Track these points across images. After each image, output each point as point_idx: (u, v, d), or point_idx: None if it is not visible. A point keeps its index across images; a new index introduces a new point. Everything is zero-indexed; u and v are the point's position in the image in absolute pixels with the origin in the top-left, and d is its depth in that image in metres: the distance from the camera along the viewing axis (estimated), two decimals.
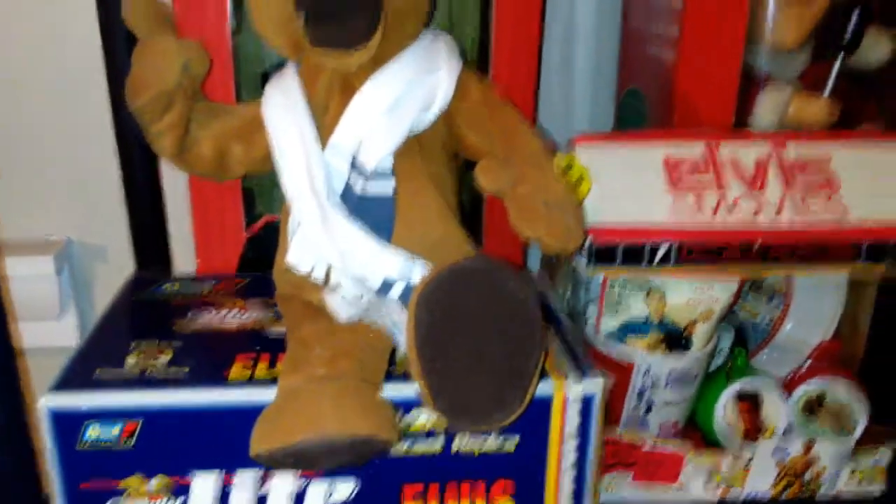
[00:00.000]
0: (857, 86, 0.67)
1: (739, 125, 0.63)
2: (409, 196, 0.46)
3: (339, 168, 0.46)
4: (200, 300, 0.54)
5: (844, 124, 0.65)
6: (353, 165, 0.46)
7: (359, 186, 0.46)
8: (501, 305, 0.40)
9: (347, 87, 0.46)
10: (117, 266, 0.75)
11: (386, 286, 0.44)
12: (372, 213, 0.46)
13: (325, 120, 0.47)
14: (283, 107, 0.47)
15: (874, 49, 0.66)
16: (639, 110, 0.71)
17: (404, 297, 0.44)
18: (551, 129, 0.76)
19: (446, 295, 0.39)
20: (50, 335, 0.78)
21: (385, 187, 0.46)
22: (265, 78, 0.61)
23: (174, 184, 0.62)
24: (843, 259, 0.51)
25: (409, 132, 0.47)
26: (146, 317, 0.52)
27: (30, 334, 0.76)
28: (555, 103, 0.78)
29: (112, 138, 0.64)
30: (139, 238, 0.68)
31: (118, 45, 0.60)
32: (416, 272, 0.44)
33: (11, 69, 0.71)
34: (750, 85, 0.64)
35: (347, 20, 0.43)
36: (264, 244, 0.60)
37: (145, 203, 0.67)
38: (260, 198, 0.62)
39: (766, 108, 0.64)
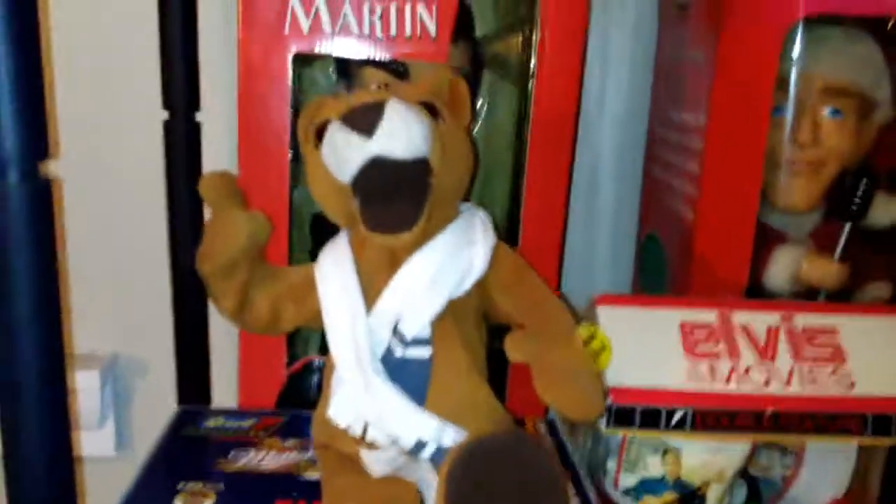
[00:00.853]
0: (866, 244, 0.71)
1: (754, 281, 0.67)
2: (443, 362, 0.50)
3: (381, 334, 0.50)
4: (241, 438, 0.57)
5: (853, 282, 0.69)
6: (395, 332, 0.50)
7: (398, 351, 0.50)
8: (527, 479, 0.43)
9: (394, 259, 0.51)
10: (158, 380, 0.79)
11: (418, 446, 0.48)
12: (409, 377, 0.50)
13: (371, 286, 0.51)
14: (335, 273, 0.52)
15: (883, 213, 0.70)
16: (658, 256, 0.75)
17: (435, 457, 0.48)
18: (574, 271, 0.80)
19: (474, 470, 0.43)
20: (90, 444, 0.81)
21: (422, 353, 0.50)
22: (314, 220, 0.68)
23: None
24: (851, 431, 0.53)
25: (446, 301, 0.51)
26: (191, 455, 0.55)
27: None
28: (579, 246, 0.82)
29: (167, 263, 0.70)
30: (183, 359, 0.72)
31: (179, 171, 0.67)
32: (447, 435, 0.48)
33: (79, 187, 0.77)
34: (765, 242, 0.68)
35: (397, 206, 0.48)
36: (303, 383, 0.64)
37: (193, 329, 0.72)
38: (302, 335, 0.67)
39: (779, 267, 0.68)
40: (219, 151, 0.69)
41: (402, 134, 0.46)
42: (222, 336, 0.72)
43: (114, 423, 0.82)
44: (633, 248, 0.82)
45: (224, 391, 0.74)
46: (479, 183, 0.73)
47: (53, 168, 0.43)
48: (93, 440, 0.81)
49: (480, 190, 0.74)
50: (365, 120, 0.46)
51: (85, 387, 0.78)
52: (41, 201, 0.42)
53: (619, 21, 0.80)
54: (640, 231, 0.82)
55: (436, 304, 0.50)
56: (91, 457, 0.81)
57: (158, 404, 0.68)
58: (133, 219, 0.79)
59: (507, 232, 0.68)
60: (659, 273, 0.74)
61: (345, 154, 0.46)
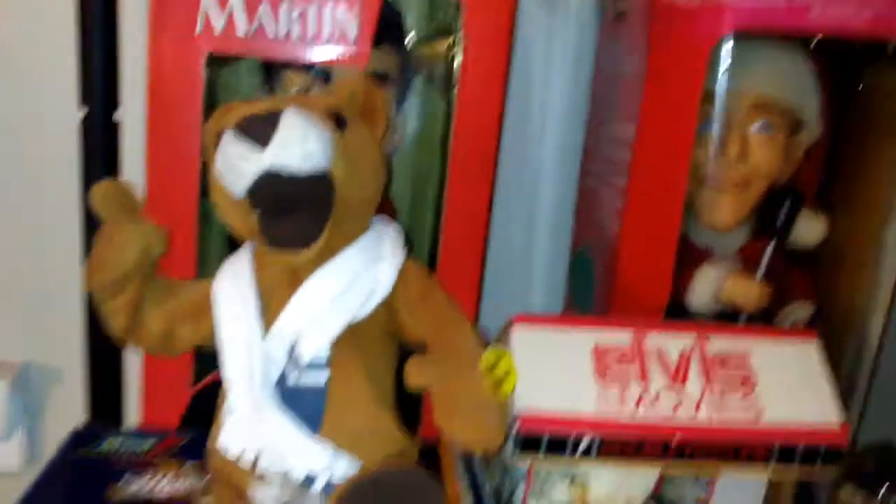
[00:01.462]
0: (790, 263, 0.70)
1: (677, 299, 0.66)
2: (340, 386, 0.48)
3: (276, 357, 0.48)
4: (138, 461, 0.55)
5: (776, 301, 0.68)
6: (290, 356, 0.48)
7: (293, 377, 0.48)
8: None
9: (295, 278, 0.49)
10: (70, 390, 0.76)
11: (309, 479, 0.46)
12: (304, 403, 0.48)
13: (271, 305, 0.49)
14: (232, 291, 0.50)
15: (807, 231, 0.70)
16: (587, 271, 0.74)
17: (326, 491, 0.46)
18: (508, 284, 0.79)
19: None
20: None
21: (318, 378, 0.48)
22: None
23: None
24: (758, 459, 0.53)
25: (348, 322, 0.49)
26: (82, 480, 0.53)
27: None
28: (516, 261, 0.81)
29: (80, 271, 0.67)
30: (94, 367, 0.70)
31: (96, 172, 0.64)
32: (340, 466, 0.46)
33: None
34: (690, 259, 0.67)
35: (297, 222, 0.46)
36: (210, 401, 0.61)
37: (106, 340, 0.69)
38: (209, 355, 0.64)
39: (703, 285, 0.67)
40: (138, 153, 0.66)
41: (297, 146, 0.44)
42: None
43: (25, 435, 0.79)
44: (567, 262, 0.81)
45: (135, 407, 0.71)
46: (409, 194, 0.72)
47: None
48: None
49: (411, 202, 0.72)
50: (259, 130, 0.44)
51: None
52: None
53: (562, 28, 0.79)
54: (573, 245, 0.81)
55: (335, 326, 0.48)
56: None
57: (72, 416, 0.65)
58: (46, 222, 0.76)
59: (433, 247, 0.66)
60: (588, 289, 0.73)
61: (238, 167, 0.44)
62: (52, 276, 0.76)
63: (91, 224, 0.65)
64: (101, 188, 0.51)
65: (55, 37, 0.70)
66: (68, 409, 0.71)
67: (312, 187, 0.46)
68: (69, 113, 0.66)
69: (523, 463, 0.53)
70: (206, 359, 0.64)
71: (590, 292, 0.73)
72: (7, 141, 0.74)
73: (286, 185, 0.44)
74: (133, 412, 0.71)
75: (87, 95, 0.66)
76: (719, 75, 0.62)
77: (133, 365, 0.70)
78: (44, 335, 0.78)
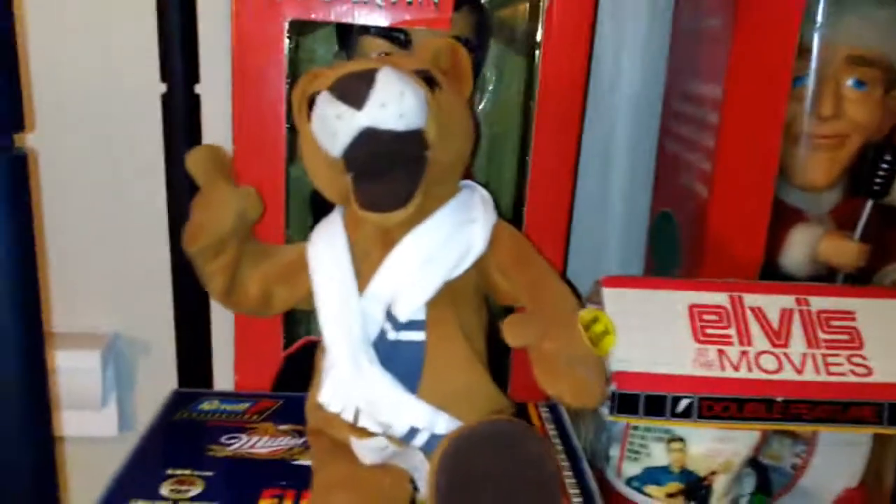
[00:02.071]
0: (888, 223, 0.68)
1: (770, 261, 0.64)
2: (437, 346, 0.48)
3: (374, 316, 0.48)
4: (235, 422, 0.56)
5: (874, 262, 0.66)
6: (388, 315, 0.48)
7: (391, 335, 0.48)
8: (521, 469, 0.41)
9: (388, 238, 0.49)
10: (160, 360, 0.78)
11: (411, 434, 0.46)
12: (402, 361, 0.48)
13: (365, 266, 0.49)
14: (327, 253, 0.50)
15: None
16: (671, 233, 0.73)
17: (427, 446, 0.46)
18: (585, 250, 0.78)
19: (466, 459, 0.41)
20: (91, 425, 0.80)
21: (416, 336, 0.48)
22: (312, 197, 0.66)
23: None
24: (865, 420, 0.51)
25: (442, 283, 0.49)
26: (183, 439, 0.54)
27: (71, 423, 0.80)
28: (589, 223, 0.80)
29: (167, 244, 0.68)
30: (183, 340, 0.71)
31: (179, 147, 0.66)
32: (441, 423, 0.46)
33: (76, 170, 0.76)
34: (782, 220, 0.65)
35: (390, 183, 0.46)
36: (302, 364, 0.62)
37: (193, 309, 0.71)
38: (300, 317, 0.65)
39: (797, 246, 0.65)
40: (219, 126, 0.67)
41: (394, 104, 0.43)
42: (223, 316, 0.71)
43: (116, 404, 0.81)
44: (646, 226, 0.79)
45: (226, 372, 0.73)
46: (485, 158, 0.71)
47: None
48: (95, 420, 0.81)
49: (487, 166, 0.72)
50: (355, 90, 0.44)
51: (86, 367, 0.77)
52: (15, 174, 0.40)
53: None
54: (653, 209, 0.79)
55: (431, 286, 0.48)
56: (94, 437, 0.80)
57: (161, 385, 0.67)
58: (132, 196, 0.78)
59: (514, 210, 0.66)
60: (672, 252, 0.71)
61: (334, 126, 0.44)
62: (138, 249, 0.78)
63: (176, 197, 0.67)
64: (198, 153, 0.51)
65: (135, 15, 0.71)
66: (158, 379, 0.73)
67: (407, 146, 0.45)
68: (152, 88, 0.67)
69: (620, 422, 0.52)
70: (297, 323, 0.65)
71: (675, 256, 0.72)
72: (92, 118, 0.75)
73: (382, 143, 0.44)
74: (222, 381, 0.72)
75: (166, 72, 0.67)
76: (814, 28, 0.60)
77: (221, 334, 0.72)
78: (132, 306, 0.80)
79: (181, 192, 0.68)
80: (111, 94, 0.75)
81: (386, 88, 0.44)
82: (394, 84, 0.44)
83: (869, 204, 0.64)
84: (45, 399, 0.45)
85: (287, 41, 0.60)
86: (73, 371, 0.77)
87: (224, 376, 0.73)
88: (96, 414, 0.80)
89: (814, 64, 0.62)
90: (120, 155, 0.77)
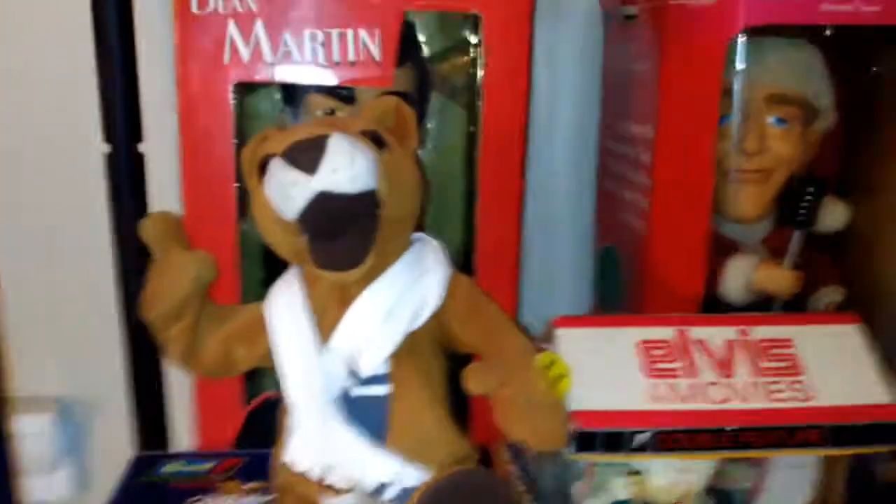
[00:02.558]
0: (818, 249, 0.72)
1: (711, 291, 0.67)
2: (402, 397, 0.49)
3: (335, 373, 0.49)
4: (200, 483, 0.56)
5: (807, 287, 0.70)
6: (350, 371, 0.49)
7: (355, 391, 0.49)
8: None
9: (345, 295, 0.50)
10: (114, 421, 0.77)
11: (380, 489, 0.47)
12: (367, 416, 0.49)
13: (324, 322, 0.50)
14: (285, 312, 0.51)
15: (831, 218, 0.71)
16: (615, 268, 0.75)
17: (399, 499, 0.47)
18: (534, 288, 0.80)
19: None
20: (45, 489, 0.78)
21: (379, 390, 0.49)
22: (266, 251, 0.66)
23: None
24: (811, 444, 0.54)
25: (403, 336, 0.50)
26: None
27: (25, 488, 0.77)
28: (538, 262, 0.82)
29: (116, 306, 0.68)
30: (138, 399, 0.70)
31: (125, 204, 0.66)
32: (409, 476, 0.47)
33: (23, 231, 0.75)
34: (719, 251, 0.68)
35: (346, 242, 0.47)
36: (263, 420, 0.62)
37: (146, 367, 0.70)
38: (260, 373, 0.65)
39: (733, 276, 0.68)
40: (164, 183, 0.67)
41: (346, 168, 0.45)
42: (179, 374, 0.70)
43: (71, 467, 0.80)
44: (592, 262, 0.82)
45: (182, 428, 0.72)
46: (432, 208, 0.73)
47: None
48: (45, 485, 0.79)
49: (434, 215, 0.73)
50: (307, 156, 0.45)
51: (35, 431, 0.75)
52: None
53: (565, 36, 0.80)
54: (596, 245, 0.82)
55: (391, 340, 0.49)
56: (48, 501, 0.78)
57: (117, 447, 0.66)
58: (79, 257, 0.77)
59: (464, 256, 0.68)
60: (616, 286, 0.74)
61: (289, 192, 0.45)
62: (88, 311, 0.77)
63: (123, 257, 0.67)
64: (150, 221, 0.52)
65: (76, 75, 0.71)
66: (113, 440, 0.71)
67: (360, 207, 0.47)
68: (94, 148, 0.66)
69: (581, 460, 0.54)
70: (257, 378, 0.65)
71: (618, 291, 0.74)
72: (37, 180, 0.75)
73: (336, 206, 0.46)
74: (180, 440, 0.72)
75: (109, 132, 0.67)
76: (735, 71, 0.64)
77: (177, 391, 0.71)
78: (84, 369, 0.78)
79: (129, 252, 0.68)
80: (54, 154, 0.75)
81: (337, 154, 0.45)
82: (345, 149, 0.45)
83: (796, 234, 0.68)
84: (7, 466, 0.44)
85: (232, 100, 0.60)
86: (26, 435, 0.75)
87: (181, 431, 0.72)
88: (50, 477, 0.78)
89: (737, 103, 0.65)
90: (63, 214, 0.76)
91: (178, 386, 0.71)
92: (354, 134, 0.47)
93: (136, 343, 0.69)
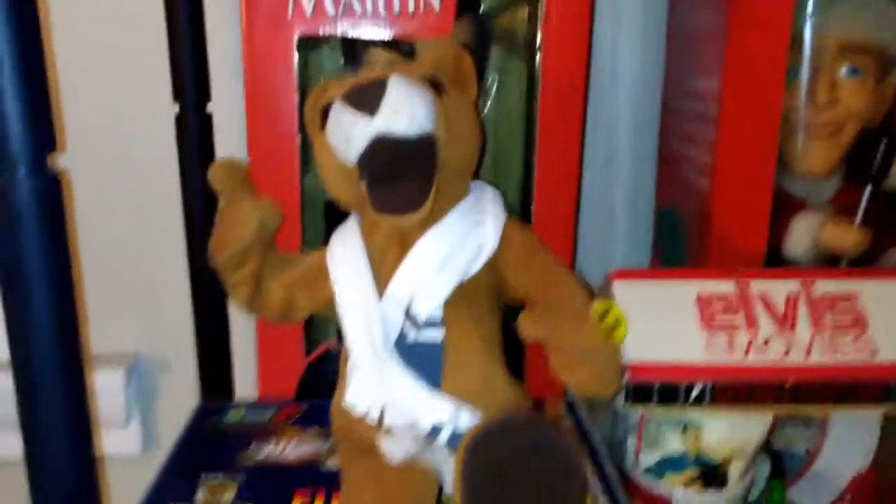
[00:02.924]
0: (888, 207, 0.69)
1: (773, 250, 0.66)
2: (457, 343, 0.50)
3: (393, 317, 0.50)
4: (262, 430, 0.58)
5: (876, 247, 0.67)
6: (407, 315, 0.49)
7: (411, 334, 0.50)
8: (544, 460, 0.43)
9: (404, 241, 0.51)
10: (181, 377, 0.80)
11: (435, 431, 0.48)
12: (423, 360, 0.49)
13: (382, 270, 0.51)
14: (345, 258, 0.52)
15: None
16: (676, 229, 0.74)
17: (451, 442, 0.48)
18: (591, 246, 0.79)
19: (491, 451, 0.43)
20: (115, 444, 0.82)
21: (435, 335, 0.50)
22: (327, 207, 0.68)
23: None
24: (873, 399, 0.52)
25: (458, 282, 0.50)
26: (212, 448, 0.56)
27: (97, 443, 0.81)
28: (595, 222, 0.82)
29: (185, 261, 0.70)
30: (204, 355, 0.73)
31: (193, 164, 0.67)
32: (463, 418, 0.47)
33: (96, 190, 0.78)
34: (783, 209, 0.66)
35: (404, 186, 0.47)
36: (322, 370, 0.64)
37: (212, 323, 0.73)
38: (320, 325, 0.67)
39: (800, 234, 0.67)
40: (231, 142, 0.69)
41: (405, 110, 0.45)
42: (243, 329, 0.72)
43: (139, 422, 0.83)
44: (651, 222, 0.81)
45: (246, 384, 0.74)
46: (490, 161, 0.73)
47: (66, 164, 0.43)
48: (118, 439, 0.82)
49: (493, 168, 0.73)
50: (367, 98, 0.46)
51: (109, 386, 0.79)
52: (50, 195, 0.42)
53: None
54: (657, 205, 0.81)
55: (448, 285, 0.50)
56: (117, 456, 0.82)
57: (183, 401, 0.68)
58: (148, 216, 0.79)
59: (521, 209, 0.68)
60: (677, 247, 0.73)
61: (349, 133, 0.46)
62: (157, 267, 0.79)
63: (193, 215, 0.69)
64: (217, 167, 0.53)
65: (147, 38, 0.72)
66: (180, 396, 0.74)
67: (419, 150, 0.47)
68: (165, 110, 0.68)
69: (635, 412, 0.54)
70: (318, 331, 0.67)
71: (680, 251, 0.73)
72: (109, 140, 0.77)
73: (395, 148, 0.46)
74: (243, 392, 0.74)
75: (178, 92, 0.68)
76: (805, 19, 0.62)
77: (240, 346, 0.73)
78: (153, 325, 0.81)
79: (197, 210, 0.70)
80: (126, 116, 0.77)
81: (397, 95, 0.46)
82: (404, 91, 0.46)
83: (868, 189, 0.66)
84: (86, 419, 0.47)
85: (296, 55, 0.61)
86: (98, 391, 0.78)
87: (245, 387, 0.75)
88: (120, 432, 0.81)
89: (807, 54, 0.63)
90: (136, 174, 0.78)
91: (241, 341, 0.73)
92: (415, 78, 0.48)
93: (203, 298, 0.72)
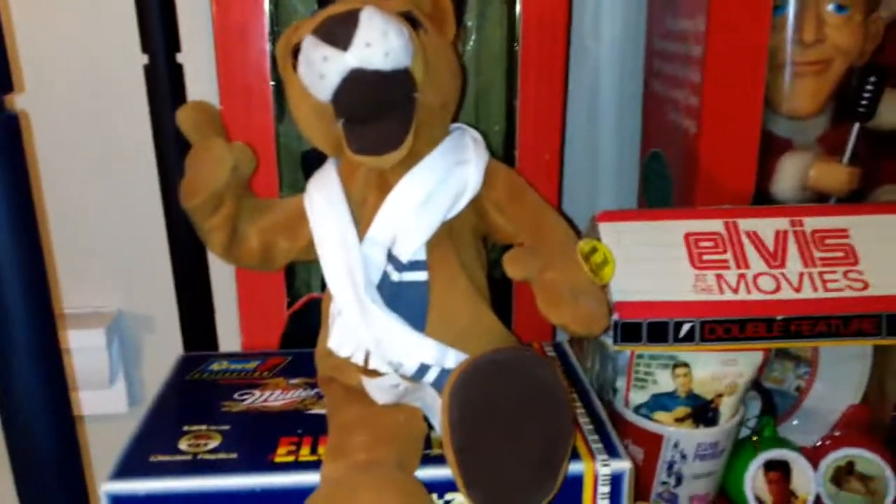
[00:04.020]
0: (876, 146, 0.69)
1: (761, 190, 0.65)
2: (441, 285, 0.49)
3: (375, 259, 0.48)
4: (246, 380, 0.57)
5: (865, 186, 0.67)
6: (389, 257, 0.48)
7: (394, 276, 0.48)
8: (532, 395, 0.42)
9: (383, 183, 0.49)
10: (164, 334, 0.79)
11: (421, 371, 0.47)
12: (407, 301, 0.48)
13: (362, 212, 0.50)
14: (324, 202, 0.50)
15: (891, 112, 0.67)
16: (662, 173, 0.73)
17: (438, 382, 0.47)
18: (577, 191, 0.79)
19: (478, 387, 0.42)
20: (101, 403, 0.81)
21: (419, 276, 0.49)
22: (304, 157, 0.66)
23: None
24: (865, 333, 0.52)
25: (440, 223, 0.49)
26: (196, 398, 0.55)
27: (82, 402, 0.80)
28: (581, 167, 0.81)
29: (161, 216, 0.68)
30: (186, 310, 0.72)
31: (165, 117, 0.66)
32: (450, 358, 0.47)
33: (66, 146, 0.76)
34: (770, 150, 0.65)
35: (382, 127, 0.46)
36: (306, 321, 0.63)
37: (193, 277, 0.71)
38: (301, 275, 0.65)
39: (787, 173, 0.66)
40: (204, 93, 0.67)
41: (379, 43, 0.44)
42: (225, 282, 0.71)
43: (124, 380, 0.82)
44: (637, 166, 0.80)
45: (229, 339, 0.73)
46: (472, 105, 0.71)
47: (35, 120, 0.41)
48: (104, 399, 0.81)
49: (475, 111, 0.72)
50: (339, 31, 0.44)
51: (91, 345, 0.77)
52: (8, 133, 0.40)
53: None
54: (642, 149, 0.80)
55: (430, 226, 0.48)
56: (103, 415, 0.81)
57: (167, 358, 0.67)
58: (123, 172, 0.77)
59: (505, 152, 0.66)
60: (664, 191, 0.72)
61: (321, 69, 0.44)
62: (133, 223, 0.78)
63: (166, 167, 0.67)
64: (187, 110, 0.51)
65: None
66: (164, 353, 0.73)
67: (395, 86, 0.46)
68: (134, 59, 0.66)
69: (624, 351, 0.53)
70: (299, 281, 0.66)
71: (667, 194, 0.72)
72: (80, 94, 0.75)
73: (370, 84, 0.45)
74: (226, 346, 0.73)
75: (147, 42, 0.66)
76: None
77: (222, 300, 0.72)
78: (132, 282, 0.80)
79: (172, 163, 0.68)
80: (94, 67, 0.75)
81: (370, 28, 0.44)
82: (377, 23, 0.44)
83: (856, 127, 0.65)
84: (62, 378, 0.46)
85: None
86: (80, 350, 0.77)
87: (228, 342, 0.73)
88: (106, 391, 0.80)
89: None
90: (107, 127, 0.76)
91: (224, 292, 0.72)
92: (389, 12, 0.46)
93: (183, 253, 0.70)
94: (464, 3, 0.68)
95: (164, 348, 0.77)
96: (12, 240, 0.41)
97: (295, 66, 0.48)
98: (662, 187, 0.73)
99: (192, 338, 0.73)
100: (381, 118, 0.46)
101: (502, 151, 0.67)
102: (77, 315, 0.79)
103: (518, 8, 0.62)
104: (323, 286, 0.54)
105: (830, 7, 0.63)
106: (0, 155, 0.39)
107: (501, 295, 0.63)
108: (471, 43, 0.70)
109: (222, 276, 0.71)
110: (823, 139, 0.68)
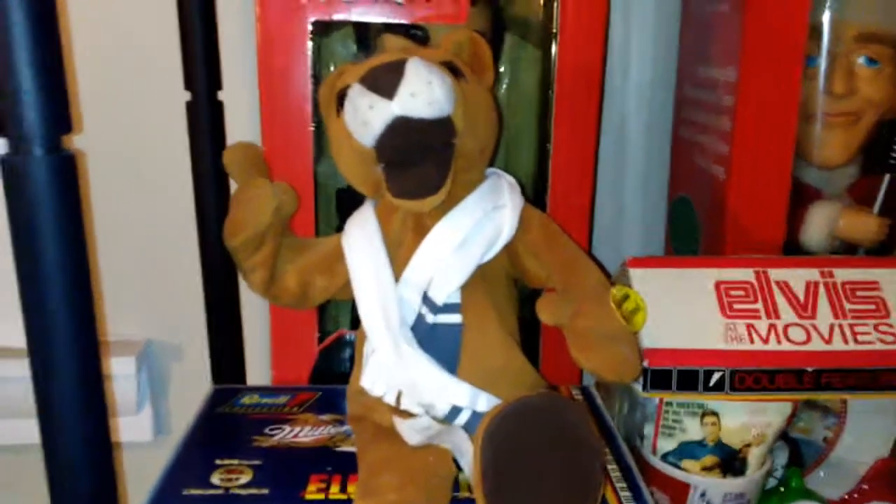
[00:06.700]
0: None
1: (790, 239, 0.65)
2: (474, 327, 0.49)
3: (411, 301, 0.49)
4: (276, 415, 0.57)
5: (894, 237, 0.67)
6: (424, 299, 0.49)
7: (429, 318, 0.49)
8: (563, 441, 0.42)
9: (420, 225, 0.50)
10: (193, 365, 0.80)
11: (453, 413, 0.47)
12: (441, 343, 0.49)
13: (399, 253, 0.51)
14: (362, 242, 0.51)
15: None
16: (689, 217, 0.74)
17: (469, 425, 0.47)
18: (604, 237, 0.79)
19: (510, 432, 0.42)
20: (127, 431, 0.82)
21: (453, 319, 0.50)
22: (339, 195, 0.67)
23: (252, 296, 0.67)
24: (894, 387, 0.52)
25: (475, 266, 0.50)
26: (227, 432, 0.55)
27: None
28: (607, 209, 0.81)
29: (196, 248, 0.70)
30: (215, 342, 0.73)
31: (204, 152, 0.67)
32: (482, 401, 0.47)
33: (103, 177, 0.77)
34: (800, 199, 0.66)
35: (422, 170, 0.47)
36: (335, 357, 0.64)
37: (224, 310, 0.72)
38: (331, 312, 0.66)
39: (816, 223, 0.66)
40: (243, 130, 0.68)
41: (423, 93, 0.45)
42: (255, 315, 0.72)
43: (151, 409, 0.83)
44: (664, 211, 0.81)
45: (258, 371, 0.74)
46: (504, 148, 0.72)
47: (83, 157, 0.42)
48: (131, 426, 0.82)
49: (506, 155, 0.73)
50: (386, 81, 0.45)
51: (121, 373, 0.78)
52: (65, 174, 0.42)
53: None
54: (670, 193, 0.80)
55: (465, 270, 0.49)
56: (130, 443, 0.81)
57: (194, 388, 0.68)
58: (161, 203, 0.79)
59: (535, 197, 0.67)
60: (691, 236, 0.72)
61: (367, 117, 0.46)
62: (167, 253, 0.79)
63: (204, 202, 0.68)
64: (233, 151, 0.53)
65: (158, 27, 0.72)
66: (191, 383, 0.74)
67: (437, 134, 0.47)
68: (177, 97, 0.68)
69: (654, 398, 0.53)
70: (330, 318, 0.66)
71: (694, 240, 0.73)
72: (121, 127, 0.77)
73: (413, 132, 0.46)
74: (255, 380, 0.74)
75: (189, 79, 0.68)
76: (823, 7, 0.61)
77: (252, 332, 0.73)
78: (163, 312, 0.81)
79: (209, 197, 0.69)
80: (137, 103, 0.77)
81: (415, 78, 0.45)
82: (422, 73, 0.46)
83: (886, 179, 0.65)
84: (103, 404, 0.46)
85: (309, 41, 0.61)
86: (110, 378, 0.78)
87: (256, 375, 0.74)
88: (132, 419, 0.81)
89: (825, 43, 0.63)
90: (147, 162, 0.78)
91: (253, 330, 0.73)
92: (433, 62, 0.47)
93: (215, 284, 0.71)
94: (499, 48, 0.69)
95: (191, 379, 0.78)
96: (64, 279, 0.42)
97: (339, 111, 0.49)
98: (689, 232, 0.73)
99: (221, 369, 0.74)
100: (421, 163, 0.47)
101: (532, 198, 0.68)
102: (107, 342, 0.80)
103: (553, 54, 0.63)
104: (353, 323, 0.55)
105: (861, 60, 0.64)
106: (58, 195, 0.40)
107: (529, 337, 0.64)
108: (504, 88, 0.71)
109: (253, 311, 0.72)
110: (853, 189, 0.68)
